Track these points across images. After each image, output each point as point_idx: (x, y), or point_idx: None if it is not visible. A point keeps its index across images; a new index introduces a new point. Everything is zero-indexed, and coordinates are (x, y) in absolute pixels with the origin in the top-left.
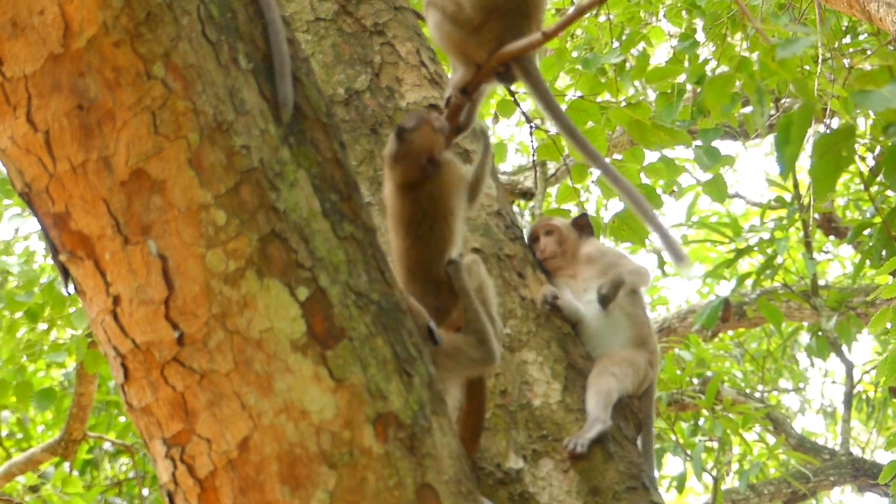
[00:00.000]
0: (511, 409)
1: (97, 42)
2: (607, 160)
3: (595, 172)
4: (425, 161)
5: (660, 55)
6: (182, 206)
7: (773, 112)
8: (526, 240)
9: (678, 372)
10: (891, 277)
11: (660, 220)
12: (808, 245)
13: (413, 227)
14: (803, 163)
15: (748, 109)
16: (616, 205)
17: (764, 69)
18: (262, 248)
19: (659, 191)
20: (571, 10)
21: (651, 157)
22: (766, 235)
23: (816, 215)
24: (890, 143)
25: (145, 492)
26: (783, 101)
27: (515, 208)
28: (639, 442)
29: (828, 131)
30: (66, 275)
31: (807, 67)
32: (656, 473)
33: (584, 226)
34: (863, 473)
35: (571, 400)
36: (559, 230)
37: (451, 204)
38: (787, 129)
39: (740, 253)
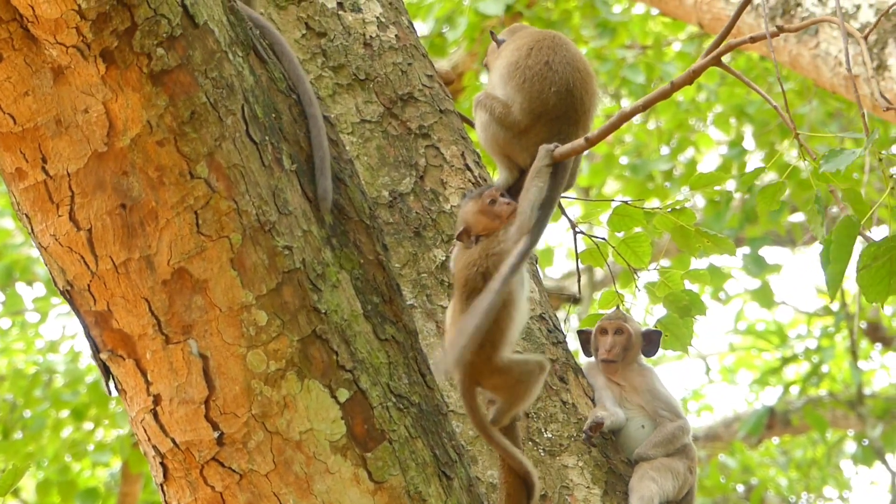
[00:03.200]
0: None
1: (141, 141)
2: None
3: (641, 278)
4: (462, 232)
5: (709, 162)
6: (223, 306)
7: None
8: (594, 330)
9: (722, 479)
10: None
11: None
12: (854, 353)
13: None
14: (850, 272)
15: (795, 217)
16: (660, 310)
17: (815, 177)
18: (303, 349)
19: (706, 297)
20: (616, 115)
21: (701, 263)
22: (812, 343)
23: (863, 323)
24: None
25: None
26: (830, 208)
27: (562, 313)
28: None
29: (872, 240)
30: (107, 373)
31: (854, 175)
32: None
33: (653, 341)
34: None
35: None
36: (629, 334)
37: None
38: (829, 247)
39: (786, 360)
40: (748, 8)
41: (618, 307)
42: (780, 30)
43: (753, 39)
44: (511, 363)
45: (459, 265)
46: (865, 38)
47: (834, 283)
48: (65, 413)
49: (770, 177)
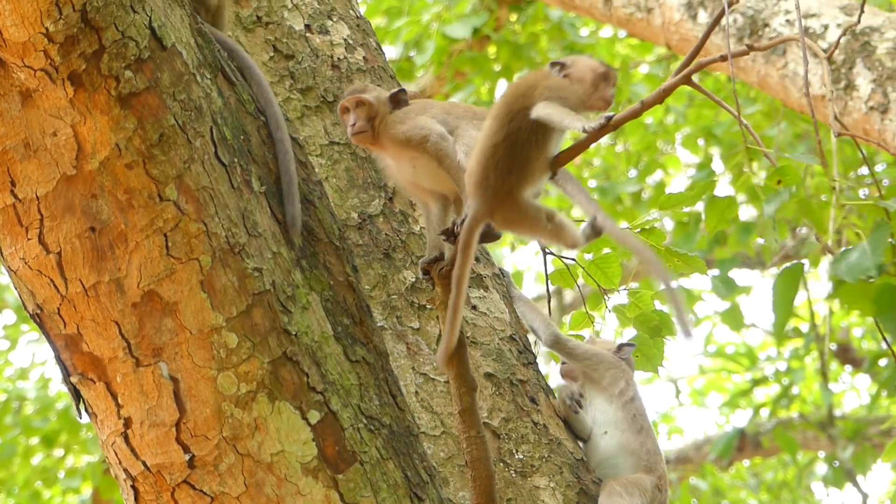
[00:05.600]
0: None
1: (110, 164)
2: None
3: (611, 300)
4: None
5: (677, 184)
6: (194, 328)
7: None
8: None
9: (694, 501)
10: None
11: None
12: (824, 375)
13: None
14: (821, 290)
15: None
16: (630, 332)
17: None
18: (274, 371)
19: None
20: (582, 137)
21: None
22: (782, 365)
23: (833, 345)
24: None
25: None
26: (799, 229)
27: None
28: None
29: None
30: (77, 397)
31: (823, 197)
32: None
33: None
34: None
35: None
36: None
37: None
38: (775, 294)
39: (756, 383)
40: (716, 29)
41: None
42: (750, 48)
43: (724, 58)
44: (528, 201)
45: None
46: (828, 57)
47: (779, 328)
48: (35, 440)
49: (739, 198)
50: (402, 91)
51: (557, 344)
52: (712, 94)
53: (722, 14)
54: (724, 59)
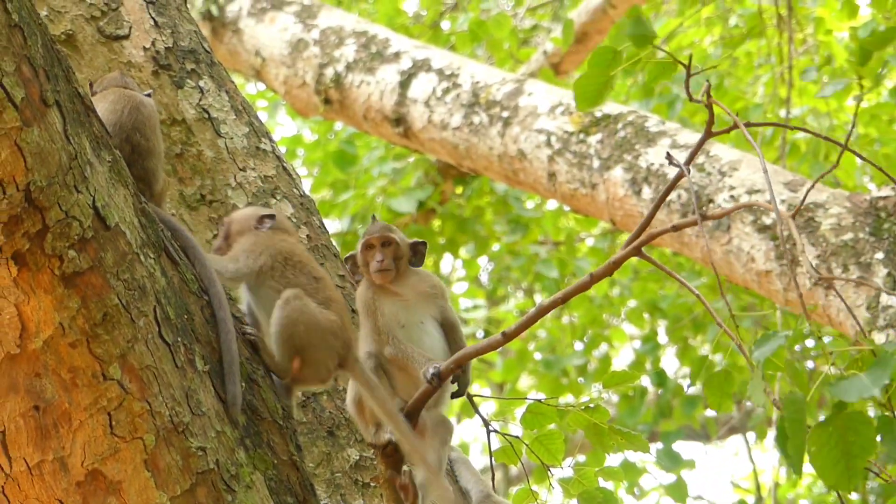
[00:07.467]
0: None
1: (54, 343)
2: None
3: (555, 475)
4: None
5: (623, 357)
6: None
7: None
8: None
9: None
10: None
11: None
12: None
13: None
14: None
15: (710, 412)
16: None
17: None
18: None
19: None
20: (532, 311)
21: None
22: None
23: None
24: None
25: None
26: (745, 402)
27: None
28: None
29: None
30: None
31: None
32: None
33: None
34: None
35: None
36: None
37: None
38: (783, 426)
39: None
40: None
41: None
42: (704, 217)
43: (676, 228)
44: None
45: None
46: (793, 216)
47: (797, 458)
48: None
49: (684, 371)
50: (424, 244)
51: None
52: (658, 266)
53: (677, 181)
54: (676, 228)
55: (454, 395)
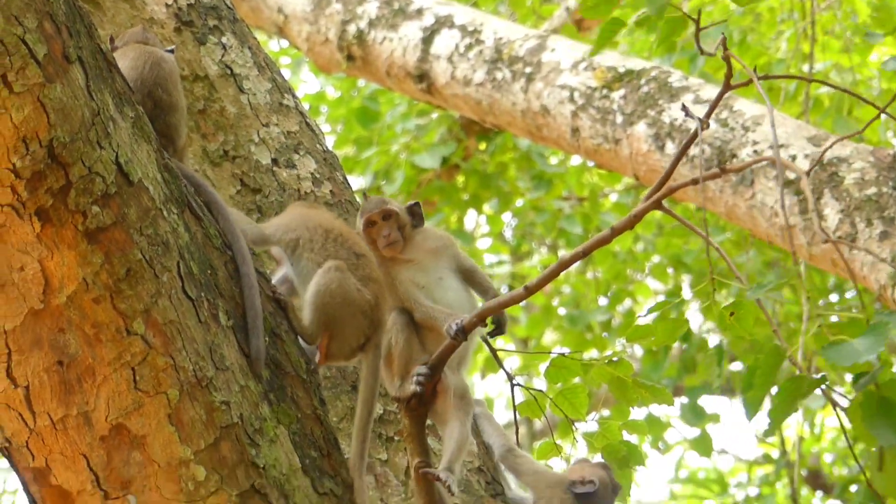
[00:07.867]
0: None
1: (77, 298)
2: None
3: (579, 429)
4: None
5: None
6: (162, 461)
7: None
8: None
9: None
10: None
11: None
12: (794, 501)
13: None
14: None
15: (735, 366)
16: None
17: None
18: (242, 503)
19: (646, 446)
20: (553, 265)
21: (640, 412)
22: (753, 491)
23: (804, 471)
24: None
25: None
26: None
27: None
28: None
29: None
30: None
31: (791, 324)
32: None
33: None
34: None
35: None
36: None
37: None
38: (753, 372)
39: None
40: (683, 159)
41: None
42: (723, 171)
43: (696, 181)
44: None
45: None
46: (808, 173)
47: (753, 407)
48: None
49: (708, 326)
50: (417, 204)
51: (506, 459)
52: (681, 221)
53: (695, 136)
54: (696, 182)
55: (494, 334)
